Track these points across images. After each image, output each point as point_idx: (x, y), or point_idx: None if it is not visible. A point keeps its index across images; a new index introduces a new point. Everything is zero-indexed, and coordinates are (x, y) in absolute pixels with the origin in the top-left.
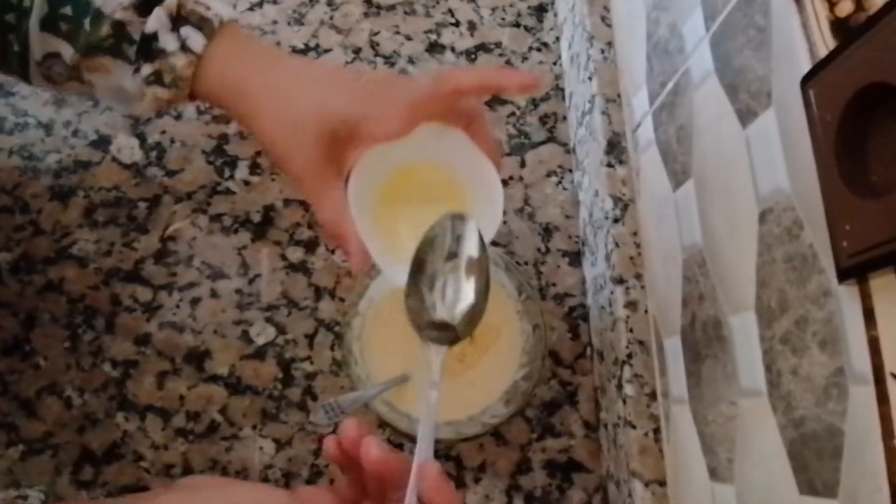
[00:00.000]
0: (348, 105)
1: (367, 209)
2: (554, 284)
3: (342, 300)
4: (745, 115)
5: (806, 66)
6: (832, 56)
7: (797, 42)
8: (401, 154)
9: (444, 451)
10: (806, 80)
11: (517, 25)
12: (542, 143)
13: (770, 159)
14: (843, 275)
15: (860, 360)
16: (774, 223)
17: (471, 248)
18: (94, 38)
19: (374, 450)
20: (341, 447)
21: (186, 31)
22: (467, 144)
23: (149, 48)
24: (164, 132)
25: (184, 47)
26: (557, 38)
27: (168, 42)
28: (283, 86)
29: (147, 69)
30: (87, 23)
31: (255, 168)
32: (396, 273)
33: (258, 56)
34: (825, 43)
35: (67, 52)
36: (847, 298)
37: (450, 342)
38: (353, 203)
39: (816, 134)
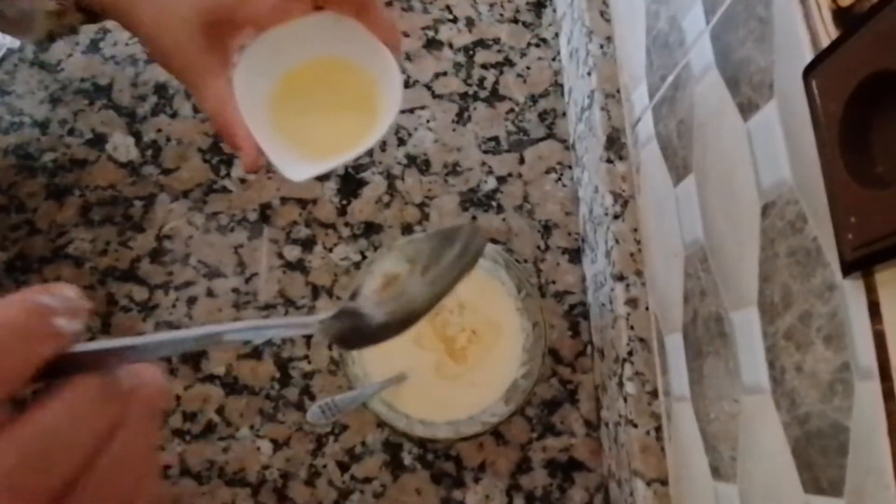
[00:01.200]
0: None
1: (263, 105)
2: (554, 282)
3: (339, 298)
4: (747, 108)
5: (808, 57)
6: (835, 46)
7: (799, 32)
8: (296, 49)
9: (444, 451)
10: (809, 71)
11: (515, 21)
12: (542, 139)
13: (772, 152)
14: (847, 268)
15: (866, 355)
16: (777, 217)
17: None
18: None
19: None
20: None
21: None
22: (362, 32)
23: None
24: (159, 130)
25: None
26: (556, 34)
27: None
28: None
29: None
30: None
31: None
32: (293, 169)
33: None
34: (828, 33)
35: None
36: (852, 292)
37: None
38: (244, 96)
39: (820, 125)
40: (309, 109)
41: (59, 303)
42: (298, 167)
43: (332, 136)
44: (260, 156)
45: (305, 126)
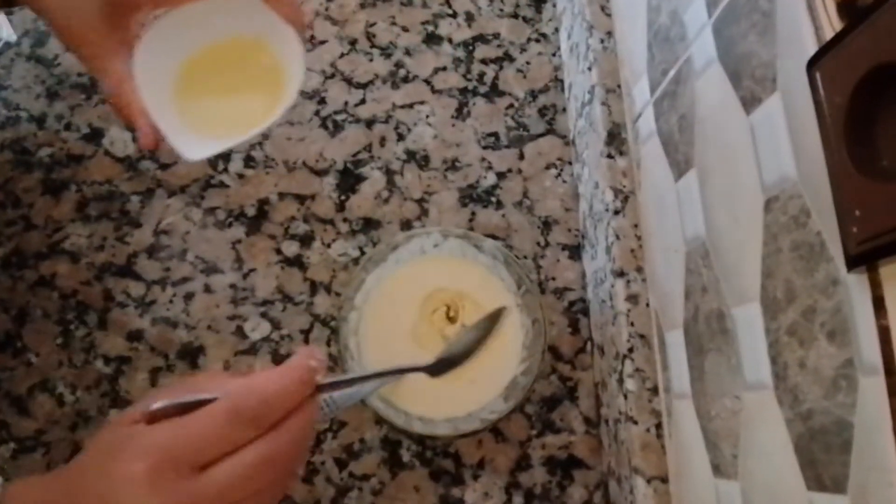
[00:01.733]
0: None
1: (167, 85)
2: (553, 278)
3: (338, 294)
4: (750, 102)
5: (812, 49)
6: (839, 38)
7: (803, 24)
8: (201, 29)
9: (443, 448)
10: (812, 63)
11: (515, 16)
12: (541, 135)
13: (775, 146)
14: (852, 262)
15: (870, 350)
16: (780, 212)
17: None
18: None
19: None
20: None
21: None
22: (266, 11)
23: None
24: None
25: None
26: (556, 29)
27: None
28: None
29: None
30: None
31: (249, 161)
32: (189, 148)
33: None
34: (832, 25)
35: None
36: (856, 287)
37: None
38: (144, 77)
39: (824, 118)
40: (215, 89)
41: (316, 364)
42: (195, 146)
43: (236, 115)
44: (156, 135)
45: (211, 106)
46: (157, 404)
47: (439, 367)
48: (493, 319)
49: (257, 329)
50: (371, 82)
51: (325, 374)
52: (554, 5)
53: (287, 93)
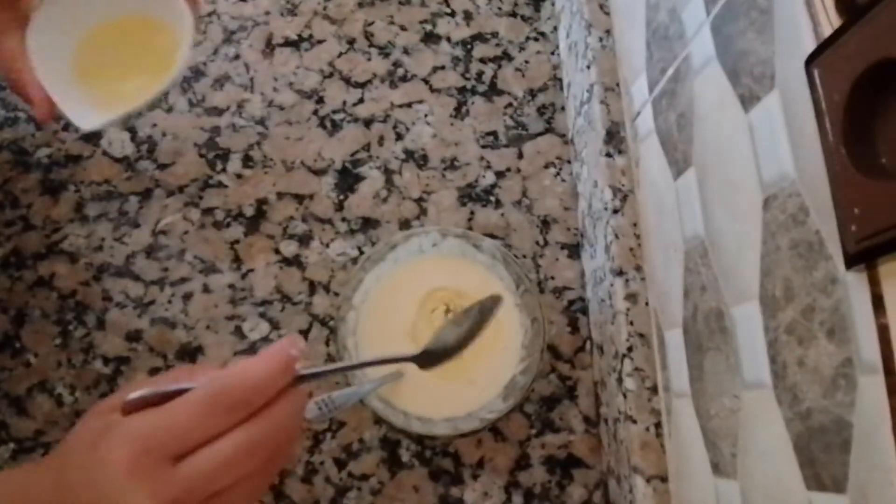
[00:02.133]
0: None
1: (64, 60)
2: (552, 277)
3: (336, 294)
4: (748, 100)
5: (810, 46)
6: (838, 34)
7: (801, 21)
8: (97, 6)
9: (442, 448)
10: (811, 60)
11: (514, 15)
12: (540, 133)
13: (774, 144)
14: (851, 260)
15: (869, 349)
16: (779, 210)
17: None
18: None
19: None
20: None
21: None
22: None
23: None
24: (155, 125)
25: None
26: (555, 28)
27: None
28: None
29: None
30: None
31: (247, 161)
32: (83, 118)
33: None
34: (830, 21)
35: None
36: (855, 285)
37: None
38: (39, 53)
39: (822, 115)
40: (109, 60)
41: (297, 352)
42: (88, 116)
43: (129, 86)
44: (51, 108)
45: (104, 76)
46: (135, 394)
47: (427, 359)
48: (486, 310)
49: (256, 329)
50: (369, 81)
51: (305, 364)
52: (552, 4)
53: (176, 63)
